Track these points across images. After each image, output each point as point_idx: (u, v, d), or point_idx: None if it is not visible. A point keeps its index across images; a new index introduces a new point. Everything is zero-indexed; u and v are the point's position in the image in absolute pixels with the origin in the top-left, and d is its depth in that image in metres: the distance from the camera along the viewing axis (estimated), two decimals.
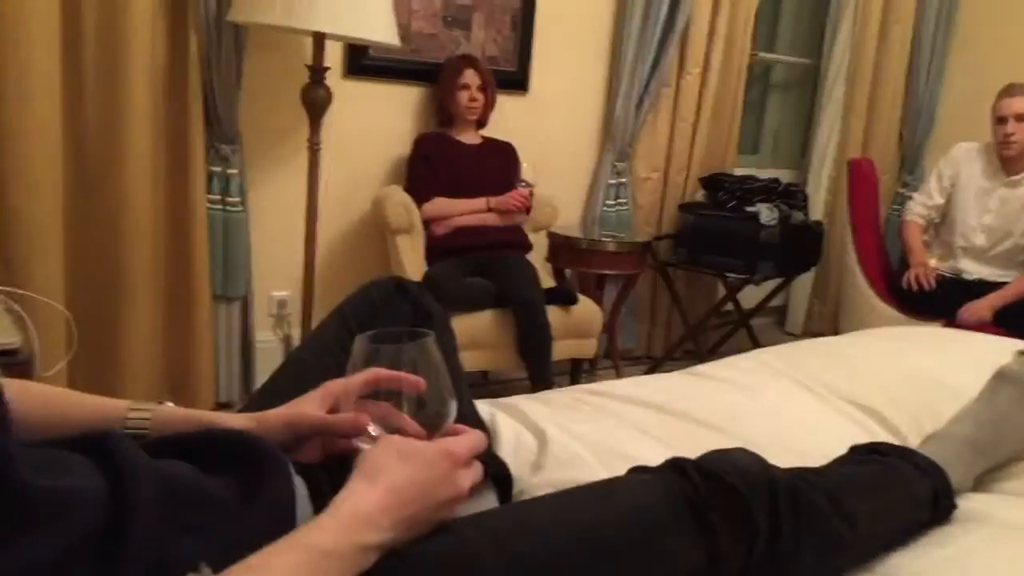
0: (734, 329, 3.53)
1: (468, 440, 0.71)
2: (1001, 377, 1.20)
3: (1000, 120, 2.83)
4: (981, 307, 2.75)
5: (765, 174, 3.36)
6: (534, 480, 0.98)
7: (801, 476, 0.90)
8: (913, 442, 1.23)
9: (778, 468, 0.87)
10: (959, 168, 3.00)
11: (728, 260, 3.04)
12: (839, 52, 3.71)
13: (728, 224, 3.05)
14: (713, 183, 3.21)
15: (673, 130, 3.25)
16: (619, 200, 3.20)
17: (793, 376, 1.45)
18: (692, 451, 0.89)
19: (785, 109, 4.18)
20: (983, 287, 2.88)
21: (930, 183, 3.08)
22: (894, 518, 0.95)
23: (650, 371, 3.19)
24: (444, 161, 2.62)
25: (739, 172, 3.37)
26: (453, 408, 0.75)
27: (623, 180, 3.19)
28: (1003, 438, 1.14)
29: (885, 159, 3.86)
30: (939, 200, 3.04)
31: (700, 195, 3.29)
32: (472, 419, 1.04)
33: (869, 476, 0.98)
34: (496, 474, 0.91)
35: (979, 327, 2.75)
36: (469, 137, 2.71)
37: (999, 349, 1.72)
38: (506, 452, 1.04)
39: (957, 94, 3.88)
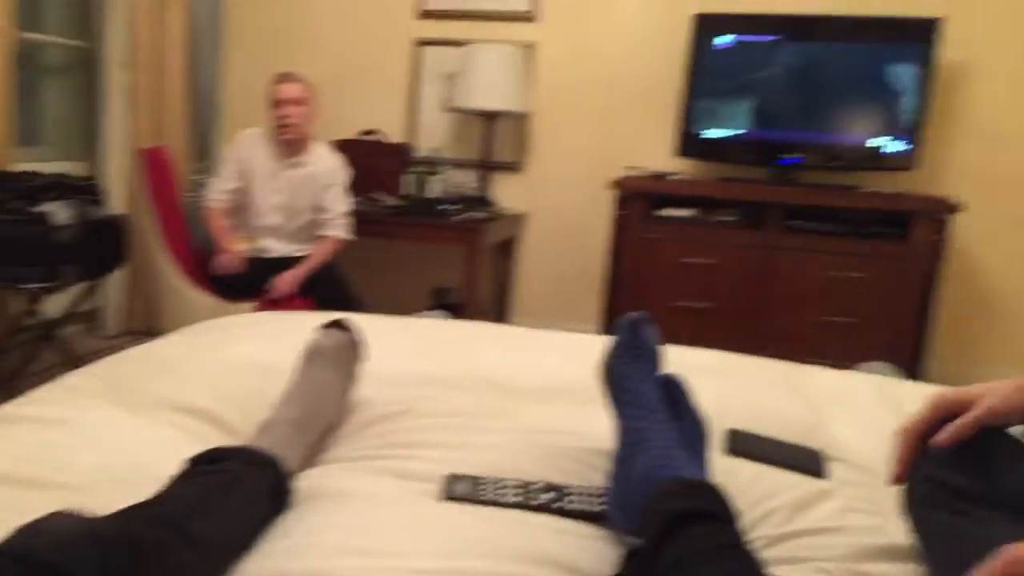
0: (40, 344, 3.15)
1: None
2: (309, 352, 1.31)
3: (276, 104, 3.06)
4: (286, 280, 2.99)
5: (51, 168, 3.03)
6: None
7: (137, 514, 0.82)
8: (248, 435, 1.26)
9: (109, 517, 0.78)
10: (247, 152, 3.17)
11: (22, 269, 2.67)
12: (116, 36, 3.54)
13: (15, 229, 2.67)
14: None
15: None
16: None
17: (114, 396, 1.33)
18: (12, 524, 0.74)
19: (65, 96, 3.82)
20: (289, 262, 3.14)
21: (223, 169, 3.19)
22: (241, 524, 0.94)
23: None
24: None
25: (21, 168, 2.97)
26: None
27: None
28: (320, 409, 1.24)
29: (178, 146, 3.86)
30: (234, 184, 3.17)
31: None
32: None
33: (208, 489, 0.95)
34: None
35: (291, 300, 3.00)
36: None
37: (308, 322, 1.88)
38: None
39: (239, 81, 4.09)
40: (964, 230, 3.38)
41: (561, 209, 3.91)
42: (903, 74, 3.21)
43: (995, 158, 3.39)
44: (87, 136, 3.82)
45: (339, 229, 3.19)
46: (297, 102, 3.06)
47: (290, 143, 3.14)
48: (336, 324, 1.40)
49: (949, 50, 3.29)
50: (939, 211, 3.08)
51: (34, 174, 2.87)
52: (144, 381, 1.39)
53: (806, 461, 1.24)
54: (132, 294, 3.81)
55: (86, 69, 3.78)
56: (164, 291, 3.10)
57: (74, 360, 2.98)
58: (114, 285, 3.68)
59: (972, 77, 3.39)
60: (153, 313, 3.72)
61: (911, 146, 3.23)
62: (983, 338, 3.53)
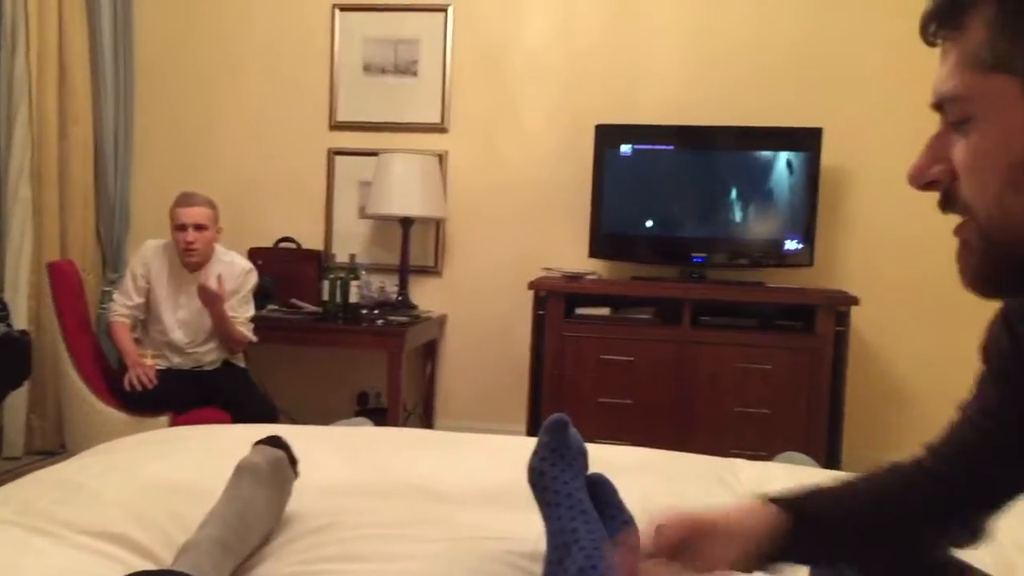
0: None
1: None
2: (240, 470, 1.28)
3: (180, 227, 3.02)
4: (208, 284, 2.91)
5: None
6: None
7: None
8: (166, 557, 1.21)
9: None
10: (150, 266, 3.10)
11: None
12: (19, 150, 3.48)
13: None
14: None
15: None
16: None
17: (23, 522, 1.27)
18: None
19: None
20: (201, 376, 3.07)
21: (127, 282, 3.11)
22: None
23: None
24: None
25: None
26: None
27: None
28: (249, 528, 1.20)
29: (86, 259, 3.77)
30: (138, 299, 3.08)
31: None
32: None
33: None
34: None
35: (204, 412, 2.91)
36: None
37: (224, 436, 1.83)
38: None
39: (147, 192, 4.05)
40: (860, 323, 3.57)
41: (481, 311, 3.95)
42: (791, 179, 3.44)
43: (880, 257, 3.63)
44: None
45: (245, 331, 3.13)
46: (199, 227, 3.01)
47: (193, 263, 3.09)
48: (268, 440, 1.38)
49: (829, 156, 3.55)
50: (840, 304, 3.25)
51: None
52: (55, 505, 1.32)
53: None
54: (35, 411, 3.62)
55: None
56: (71, 407, 2.94)
57: None
58: (16, 402, 3.50)
59: (852, 181, 3.66)
60: (58, 430, 3.53)
61: (804, 245, 3.44)
62: (892, 424, 3.68)
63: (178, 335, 3.07)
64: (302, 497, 1.39)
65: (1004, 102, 0.62)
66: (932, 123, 0.71)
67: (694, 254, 3.52)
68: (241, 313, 3.12)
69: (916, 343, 3.64)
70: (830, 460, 3.21)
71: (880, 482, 0.95)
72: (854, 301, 3.24)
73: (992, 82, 0.62)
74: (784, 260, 3.49)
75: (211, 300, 2.93)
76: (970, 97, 0.64)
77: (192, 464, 1.57)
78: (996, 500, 0.91)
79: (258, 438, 1.41)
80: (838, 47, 3.66)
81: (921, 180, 0.70)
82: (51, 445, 3.62)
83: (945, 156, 0.68)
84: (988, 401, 0.90)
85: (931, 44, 0.69)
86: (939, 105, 0.68)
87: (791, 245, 3.46)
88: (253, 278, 3.19)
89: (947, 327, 3.58)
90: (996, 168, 0.63)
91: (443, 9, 3.90)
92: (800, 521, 0.89)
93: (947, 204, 0.69)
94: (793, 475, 1.68)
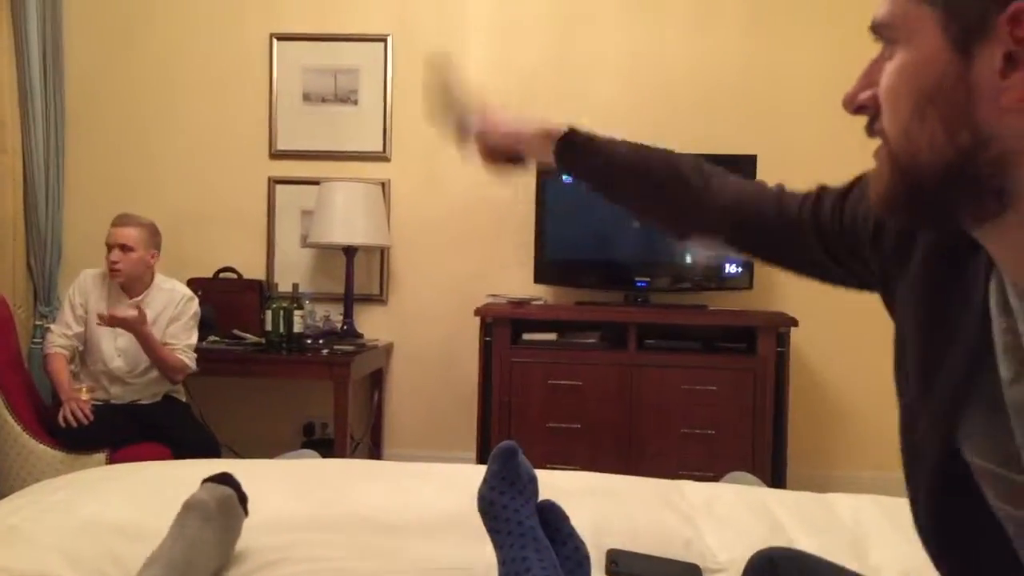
0: None
1: None
2: (187, 508, 1.24)
3: (109, 248, 2.98)
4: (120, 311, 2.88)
5: None
6: None
7: None
8: None
9: None
10: (88, 295, 3.03)
11: None
12: None
13: None
14: None
15: None
16: None
17: None
18: None
19: None
20: (138, 409, 2.98)
21: (65, 311, 3.04)
22: None
23: None
24: None
25: None
26: None
27: None
28: (196, 568, 1.17)
29: (16, 292, 3.65)
30: (77, 328, 3.01)
31: None
32: None
33: None
34: None
35: (144, 448, 2.82)
36: None
37: (164, 473, 1.78)
38: None
39: (80, 223, 3.93)
40: (800, 343, 3.66)
41: (428, 338, 3.93)
42: None
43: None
44: None
45: (183, 358, 3.06)
46: (125, 248, 2.96)
47: (129, 284, 3.03)
48: (217, 478, 1.35)
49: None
50: (780, 325, 3.33)
51: None
52: None
53: None
54: None
55: None
56: (3, 448, 2.82)
57: None
58: None
59: None
60: None
61: (743, 268, 3.52)
62: (836, 440, 3.77)
63: (118, 363, 2.99)
64: (250, 532, 1.36)
65: (922, 30, 0.66)
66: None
67: (637, 278, 3.57)
68: (182, 340, 3.05)
69: (853, 361, 3.75)
70: (776, 478, 3.27)
71: (663, 156, 1.20)
72: (793, 322, 3.32)
73: (916, 10, 0.66)
74: (724, 283, 3.56)
75: (126, 326, 2.86)
76: (896, 24, 0.68)
77: (131, 503, 1.52)
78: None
79: (199, 474, 1.37)
80: (773, 78, 3.78)
81: (852, 104, 0.73)
82: None
83: (876, 82, 0.71)
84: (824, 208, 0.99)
85: None
86: (875, 29, 0.71)
87: (731, 268, 3.54)
88: (194, 305, 3.13)
89: (882, 344, 3.68)
90: (907, 94, 0.67)
91: (383, 39, 3.91)
92: (572, 135, 1.19)
93: (872, 129, 0.72)
94: (740, 495, 1.71)
